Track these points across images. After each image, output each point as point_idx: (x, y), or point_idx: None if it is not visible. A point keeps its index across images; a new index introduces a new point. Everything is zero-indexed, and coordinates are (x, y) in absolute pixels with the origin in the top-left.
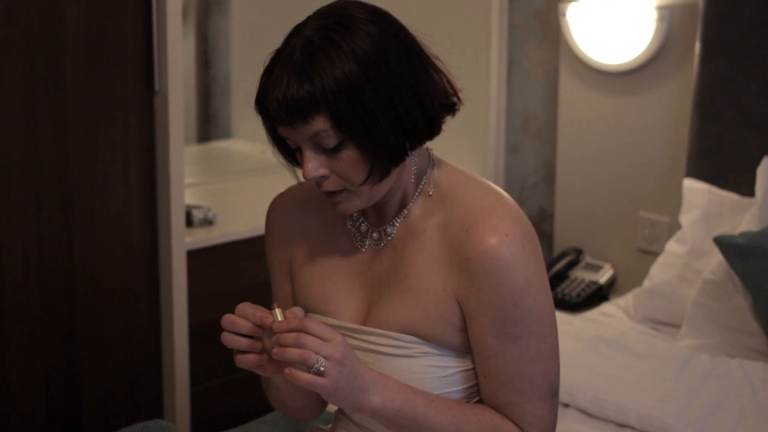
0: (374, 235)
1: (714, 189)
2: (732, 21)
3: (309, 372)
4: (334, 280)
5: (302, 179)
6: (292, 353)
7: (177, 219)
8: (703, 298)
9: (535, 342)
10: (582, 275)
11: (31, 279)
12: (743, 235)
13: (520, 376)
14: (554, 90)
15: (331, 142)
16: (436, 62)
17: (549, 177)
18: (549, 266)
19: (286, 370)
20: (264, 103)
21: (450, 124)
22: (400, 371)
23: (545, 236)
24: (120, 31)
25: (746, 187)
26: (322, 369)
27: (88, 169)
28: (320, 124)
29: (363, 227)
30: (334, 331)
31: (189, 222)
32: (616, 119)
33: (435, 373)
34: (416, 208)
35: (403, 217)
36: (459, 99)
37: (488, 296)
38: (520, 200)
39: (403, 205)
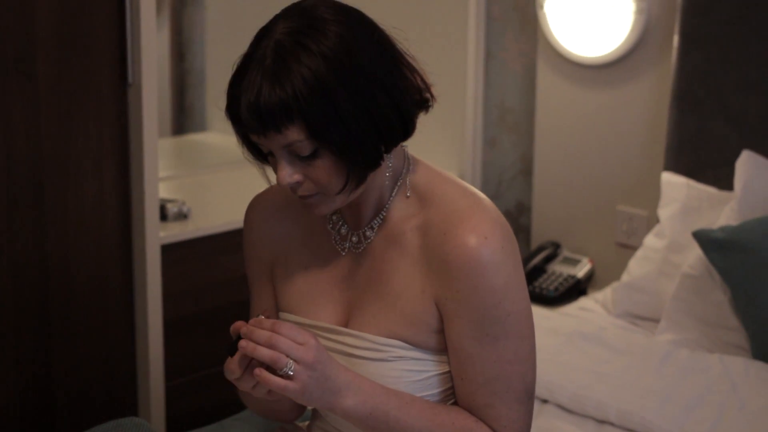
0: (353, 238)
1: (692, 183)
2: (710, 13)
3: (278, 374)
4: (315, 284)
5: (272, 180)
6: (263, 352)
7: (151, 213)
8: (682, 292)
9: (513, 344)
10: (560, 269)
11: (3, 273)
12: (722, 229)
13: (496, 378)
14: (532, 83)
15: (306, 150)
16: (410, 60)
17: (526, 170)
18: (527, 260)
19: (256, 371)
20: (236, 111)
21: (426, 116)
22: (374, 375)
23: (523, 230)
24: (93, 22)
25: (725, 181)
26: (290, 373)
27: (60, 161)
28: (294, 135)
29: (343, 230)
30: (307, 334)
31: (163, 216)
32: (594, 112)
33: (410, 377)
34: (394, 210)
35: (381, 220)
36: (432, 95)
37: (467, 298)
38: (497, 194)
39: (380, 206)
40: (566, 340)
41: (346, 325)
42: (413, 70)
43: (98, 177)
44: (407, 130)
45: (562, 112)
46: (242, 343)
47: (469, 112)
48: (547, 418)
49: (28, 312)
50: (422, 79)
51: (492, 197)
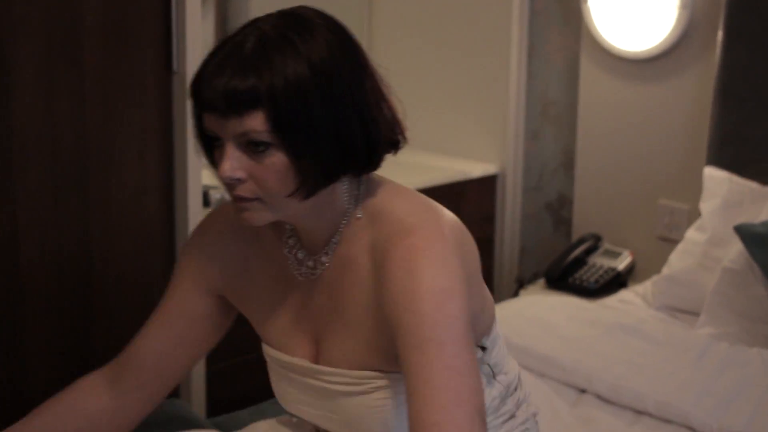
0: (309, 263)
1: (735, 177)
2: (755, 9)
3: None
4: (279, 312)
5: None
6: None
7: (194, 199)
8: (722, 286)
9: (460, 352)
10: (600, 261)
11: (47, 260)
12: (764, 224)
13: (444, 388)
14: (575, 76)
15: (261, 144)
16: (389, 96)
17: (568, 163)
18: (567, 252)
19: None
20: (199, 88)
21: (469, 109)
22: (359, 407)
23: (564, 222)
24: (139, 10)
25: (767, 176)
26: None
27: (105, 149)
28: (254, 123)
29: (300, 255)
30: None
31: (206, 202)
32: (636, 106)
33: (392, 405)
34: (346, 233)
35: (335, 244)
36: (404, 137)
37: (403, 305)
38: (538, 186)
39: (333, 230)
40: (606, 332)
41: (316, 357)
42: (391, 107)
43: (142, 164)
44: (372, 162)
45: (605, 106)
46: None
47: (511, 104)
48: (585, 407)
49: (72, 297)
50: (396, 119)
51: (533, 189)
